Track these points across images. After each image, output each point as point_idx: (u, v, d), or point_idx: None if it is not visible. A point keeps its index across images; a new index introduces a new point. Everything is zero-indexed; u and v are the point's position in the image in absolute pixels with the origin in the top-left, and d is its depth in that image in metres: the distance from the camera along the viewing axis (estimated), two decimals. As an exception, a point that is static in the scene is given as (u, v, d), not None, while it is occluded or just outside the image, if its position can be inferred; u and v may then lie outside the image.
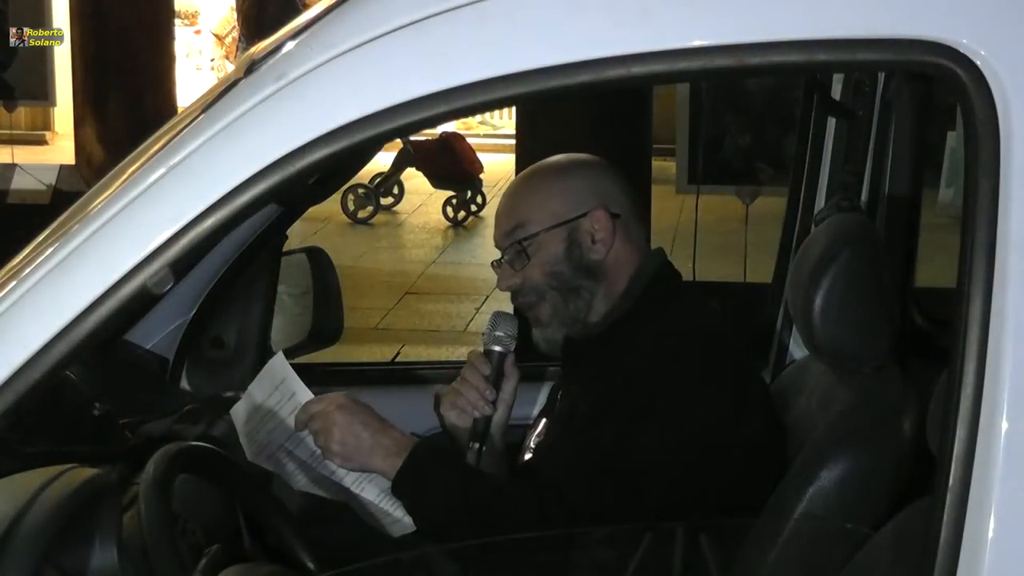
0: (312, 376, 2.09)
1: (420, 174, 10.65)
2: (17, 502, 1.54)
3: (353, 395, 2.10)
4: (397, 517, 2.07)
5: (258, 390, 2.10)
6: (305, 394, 2.06)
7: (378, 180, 10.58)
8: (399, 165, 10.65)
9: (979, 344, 1.30)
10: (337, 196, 9.58)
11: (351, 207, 10.41)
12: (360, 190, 10.38)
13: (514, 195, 2.28)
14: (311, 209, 2.75)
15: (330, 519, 2.24)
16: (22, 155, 8.29)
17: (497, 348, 2.24)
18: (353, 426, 2.02)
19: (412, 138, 9.86)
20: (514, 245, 2.23)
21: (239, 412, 2.12)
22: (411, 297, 8.03)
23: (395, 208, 10.96)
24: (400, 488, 2.03)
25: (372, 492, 2.07)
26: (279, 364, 2.09)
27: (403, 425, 2.12)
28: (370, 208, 10.51)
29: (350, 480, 2.07)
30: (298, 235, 3.16)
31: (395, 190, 10.90)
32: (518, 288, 2.24)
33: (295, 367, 2.10)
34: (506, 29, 1.36)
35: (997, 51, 1.30)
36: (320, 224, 9.67)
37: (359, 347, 6.41)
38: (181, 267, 1.38)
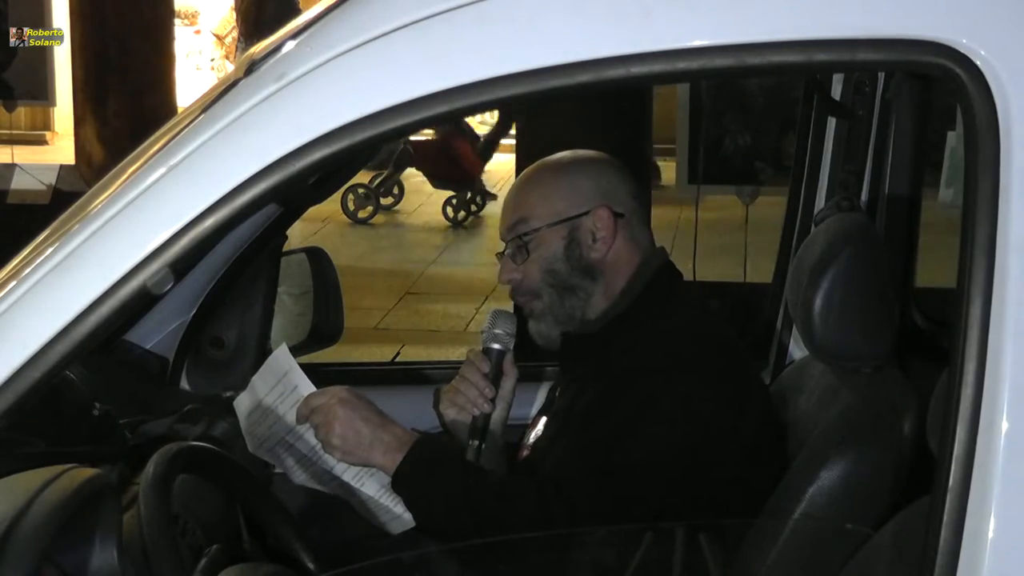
0: (312, 376, 2.08)
1: (420, 174, 10.65)
2: (17, 502, 1.54)
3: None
4: (397, 513, 2.07)
5: (261, 382, 2.10)
6: (308, 387, 2.06)
7: (378, 180, 10.57)
8: (399, 165, 10.65)
9: (979, 344, 1.29)
10: (337, 196, 9.59)
11: (351, 207, 10.41)
12: (360, 190, 10.38)
13: (520, 189, 2.28)
14: (311, 209, 2.75)
15: (330, 518, 2.24)
16: (22, 155, 8.29)
17: (496, 346, 2.24)
18: (354, 421, 2.02)
19: (412, 138, 9.86)
20: (515, 239, 2.23)
21: (242, 404, 2.12)
22: (411, 297, 8.03)
23: (395, 208, 10.95)
24: (400, 483, 2.03)
25: (372, 487, 2.07)
26: (283, 356, 2.09)
27: (403, 425, 2.12)
28: (370, 208, 10.51)
29: (350, 475, 2.07)
30: (298, 235, 3.16)
31: (395, 190, 10.90)
32: (516, 282, 2.25)
33: (296, 366, 2.10)
34: (506, 29, 1.36)
35: (997, 51, 1.30)
36: (320, 224, 9.67)
37: (359, 347, 6.41)
38: (181, 267, 1.38)
